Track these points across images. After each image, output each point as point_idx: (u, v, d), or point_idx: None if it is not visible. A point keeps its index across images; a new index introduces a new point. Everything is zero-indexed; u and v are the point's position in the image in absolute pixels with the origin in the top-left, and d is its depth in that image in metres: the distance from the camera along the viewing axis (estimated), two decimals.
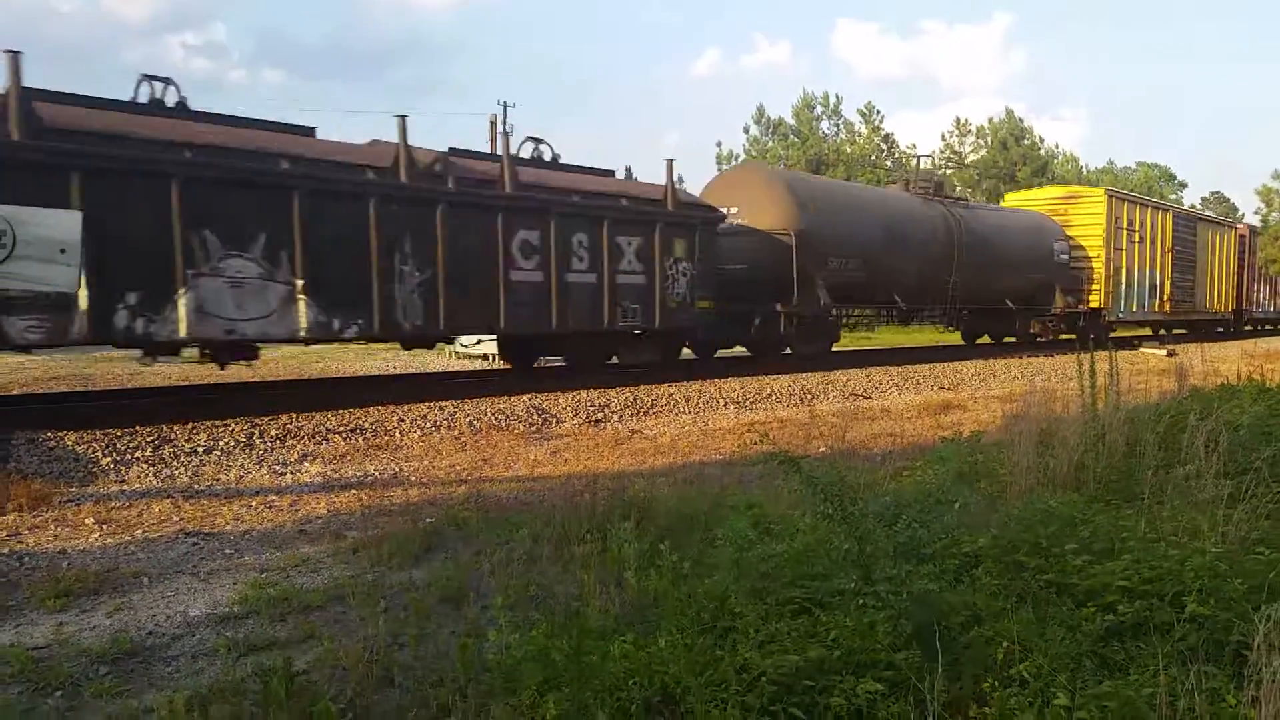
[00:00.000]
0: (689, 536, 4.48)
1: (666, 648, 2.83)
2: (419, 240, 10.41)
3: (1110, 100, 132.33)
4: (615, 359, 14.07)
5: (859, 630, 2.90)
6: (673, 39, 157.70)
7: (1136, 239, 24.93)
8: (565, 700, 2.62)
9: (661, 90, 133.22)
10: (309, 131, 10.36)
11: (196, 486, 6.76)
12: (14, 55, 7.85)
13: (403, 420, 9.26)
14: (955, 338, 24.95)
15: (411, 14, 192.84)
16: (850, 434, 8.46)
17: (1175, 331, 28.69)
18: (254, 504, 6.19)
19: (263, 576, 4.49)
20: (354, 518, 5.72)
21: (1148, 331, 28.74)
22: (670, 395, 11.63)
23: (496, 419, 9.62)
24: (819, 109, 56.97)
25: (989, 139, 58.81)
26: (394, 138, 10.44)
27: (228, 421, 8.74)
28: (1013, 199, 27.61)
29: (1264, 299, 35.13)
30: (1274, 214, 69.04)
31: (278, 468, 7.45)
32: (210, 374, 15.16)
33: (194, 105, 9.50)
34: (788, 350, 16.25)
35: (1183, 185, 77.57)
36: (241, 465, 7.47)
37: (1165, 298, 26.63)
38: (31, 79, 7.94)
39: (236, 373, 15.42)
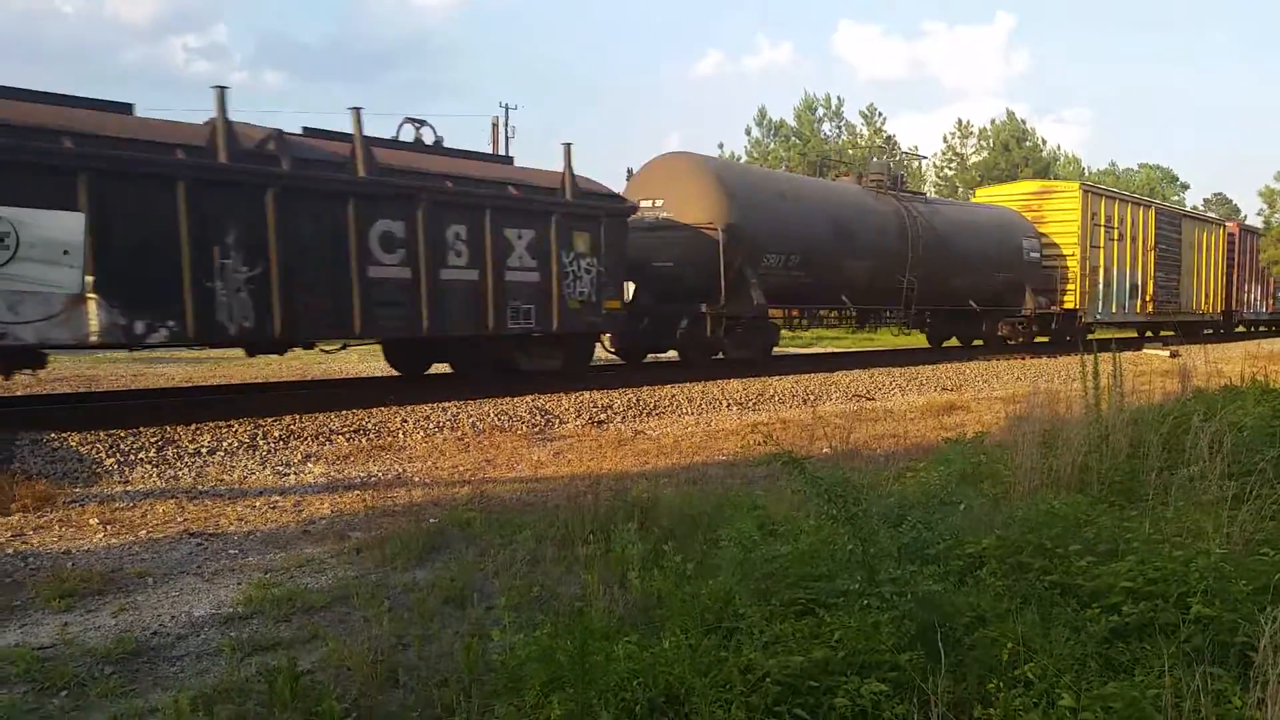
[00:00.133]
0: (692, 537, 4.48)
1: (671, 648, 2.83)
2: (245, 230, 9.00)
3: (1112, 102, 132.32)
4: (518, 366, 12.17)
5: (863, 631, 2.90)
6: (675, 40, 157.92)
7: (1115, 236, 23.68)
8: (569, 701, 2.62)
9: (664, 91, 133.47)
10: (126, 109, 8.95)
11: (200, 487, 6.77)
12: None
13: (405, 421, 9.27)
14: (933, 341, 23.32)
15: (412, 14, 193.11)
16: (854, 435, 8.45)
17: (1162, 334, 27.58)
18: (258, 504, 6.20)
19: (267, 577, 4.50)
20: (358, 518, 5.73)
21: (1133, 334, 27.58)
22: (673, 396, 11.63)
23: (499, 420, 9.62)
24: (820, 111, 56.93)
25: (991, 141, 58.72)
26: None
27: (231, 422, 8.75)
28: (984, 194, 26.33)
29: (1255, 300, 33.90)
30: (1276, 215, 68.89)
31: (281, 468, 7.46)
32: (214, 375, 15.23)
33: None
34: (719, 355, 14.92)
35: (1185, 186, 77.65)
36: (245, 466, 7.48)
37: (1147, 299, 25.47)
38: (31, 80, 7.74)
39: (239, 373, 15.49)
